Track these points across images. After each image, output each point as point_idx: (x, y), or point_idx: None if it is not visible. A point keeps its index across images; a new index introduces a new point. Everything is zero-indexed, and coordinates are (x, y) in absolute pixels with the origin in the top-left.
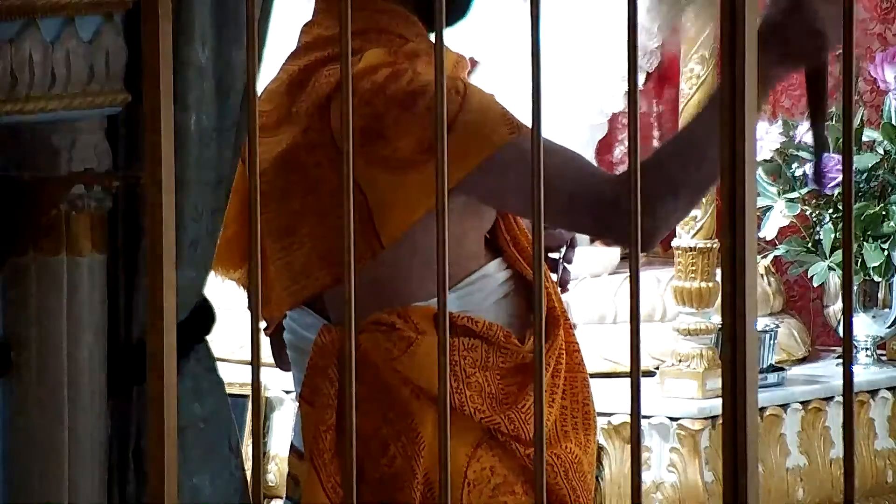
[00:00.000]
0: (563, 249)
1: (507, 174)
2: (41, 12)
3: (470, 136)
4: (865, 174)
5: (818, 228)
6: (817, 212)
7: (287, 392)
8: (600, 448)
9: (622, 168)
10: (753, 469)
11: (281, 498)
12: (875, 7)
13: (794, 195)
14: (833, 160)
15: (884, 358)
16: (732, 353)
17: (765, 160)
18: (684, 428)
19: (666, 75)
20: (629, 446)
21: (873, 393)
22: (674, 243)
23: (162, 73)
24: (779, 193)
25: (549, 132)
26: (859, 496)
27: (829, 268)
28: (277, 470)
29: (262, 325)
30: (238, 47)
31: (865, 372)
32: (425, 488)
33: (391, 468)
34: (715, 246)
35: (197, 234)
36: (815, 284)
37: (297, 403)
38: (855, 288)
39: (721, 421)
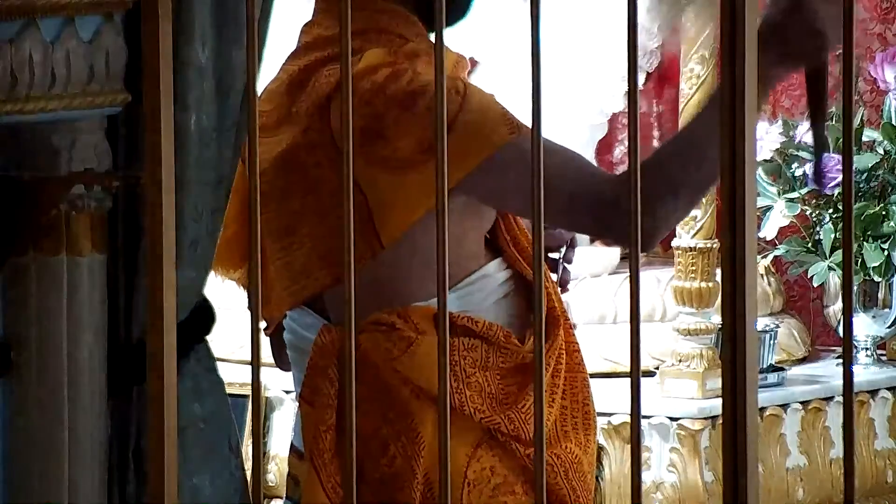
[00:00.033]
0: (563, 249)
1: (507, 174)
2: (41, 12)
3: (470, 136)
4: (865, 174)
5: (818, 228)
6: (817, 212)
7: (287, 392)
8: (600, 448)
9: (622, 168)
10: (753, 469)
11: (281, 498)
12: (875, 7)
13: (794, 195)
14: (833, 160)
15: (884, 358)
16: (732, 353)
17: (765, 160)
18: (684, 428)
19: (666, 75)
20: (629, 446)
21: (873, 393)
22: (674, 243)
23: (162, 73)
24: (779, 193)
25: (549, 132)
26: (859, 496)
27: (829, 268)
28: (277, 470)
29: (262, 325)
30: (238, 47)
31: (865, 372)
32: (425, 488)
33: (391, 468)
34: (715, 246)
35: (197, 234)
36: (815, 284)
37: (297, 403)
38: (855, 288)
39: (721, 421)
